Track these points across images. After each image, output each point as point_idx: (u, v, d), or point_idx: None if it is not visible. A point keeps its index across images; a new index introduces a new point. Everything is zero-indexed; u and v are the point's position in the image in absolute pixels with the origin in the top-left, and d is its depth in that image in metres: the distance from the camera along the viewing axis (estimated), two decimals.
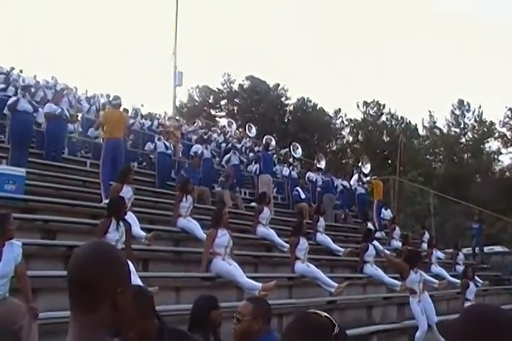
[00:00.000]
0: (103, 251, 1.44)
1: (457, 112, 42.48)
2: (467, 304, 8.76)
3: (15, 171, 8.29)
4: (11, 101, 10.13)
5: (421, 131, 44.08)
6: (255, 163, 14.02)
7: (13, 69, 15.71)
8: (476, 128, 41.65)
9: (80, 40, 70.49)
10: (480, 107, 41.38)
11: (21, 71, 16.21)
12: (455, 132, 42.39)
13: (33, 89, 13.32)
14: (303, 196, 14.26)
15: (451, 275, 11.84)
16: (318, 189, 15.32)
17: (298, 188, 14.50)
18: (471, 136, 42.02)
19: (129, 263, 4.97)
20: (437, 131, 43.03)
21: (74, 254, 1.43)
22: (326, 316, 1.46)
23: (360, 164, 17.26)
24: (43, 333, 4.51)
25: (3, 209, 5.36)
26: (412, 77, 67.20)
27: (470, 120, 42.12)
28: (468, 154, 41.55)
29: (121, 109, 10.47)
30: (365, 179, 16.41)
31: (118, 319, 1.40)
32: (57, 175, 10.02)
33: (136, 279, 5.89)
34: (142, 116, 17.31)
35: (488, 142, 41.17)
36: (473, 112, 41.83)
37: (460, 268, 12.11)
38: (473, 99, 48.31)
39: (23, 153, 9.81)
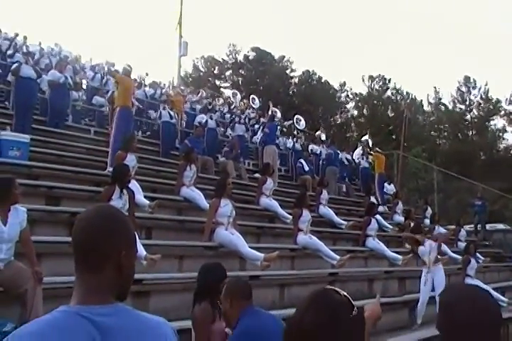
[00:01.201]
0: (108, 214, 1.44)
1: (463, 89, 42.08)
2: (468, 280, 8.81)
3: (19, 137, 8.28)
4: (14, 67, 10.08)
5: (426, 107, 43.81)
6: (263, 135, 13.92)
7: (17, 35, 15.49)
8: (482, 105, 41.31)
9: (85, 8, 69.49)
10: (486, 84, 41.02)
11: (25, 37, 15.99)
12: (460, 109, 42.06)
13: (37, 56, 13.19)
14: (306, 168, 14.22)
15: (453, 252, 11.89)
16: (322, 161, 15.28)
17: (301, 160, 14.45)
18: (476, 113, 41.71)
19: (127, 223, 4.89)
20: (442, 108, 42.69)
21: (79, 218, 1.43)
22: (345, 295, 1.41)
23: (366, 137, 17.16)
24: (46, 297, 4.52)
25: (8, 175, 5.31)
26: (419, 52, 66.45)
27: (476, 97, 41.75)
28: (473, 131, 41.31)
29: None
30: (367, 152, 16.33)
31: (122, 281, 1.40)
32: (61, 142, 9.99)
33: (139, 246, 5.91)
34: (145, 85, 17.16)
35: (493, 120, 40.93)
36: (480, 89, 41.45)
37: (462, 244, 12.14)
38: (479, 76, 47.89)
39: (26, 119, 9.77)
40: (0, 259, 4.37)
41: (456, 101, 42.33)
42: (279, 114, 17.59)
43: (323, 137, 16.56)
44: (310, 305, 1.39)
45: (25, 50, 13.51)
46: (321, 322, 1.35)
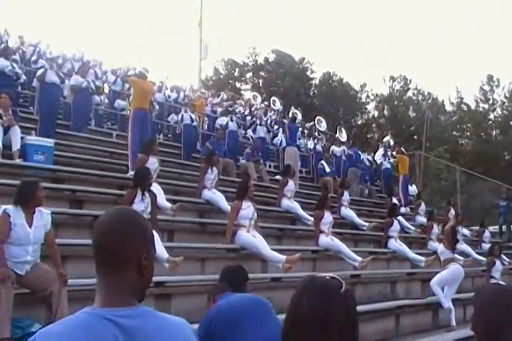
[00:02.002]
0: (128, 218, 1.46)
1: (486, 88, 41.53)
2: (492, 282, 8.70)
3: (44, 142, 8.40)
4: (39, 72, 10.23)
5: (448, 107, 43.33)
6: (283, 132, 13.93)
7: (39, 42, 15.76)
8: (506, 104, 40.71)
9: (106, 13, 70.24)
10: (510, 83, 40.39)
11: (48, 45, 16.25)
12: (483, 108, 41.52)
13: (60, 61, 13.40)
14: (327, 170, 14.19)
15: (477, 253, 11.74)
16: (343, 163, 15.20)
17: (323, 162, 14.43)
18: (500, 113, 41.13)
19: (155, 233, 5.04)
20: (465, 107, 42.20)
21: (99, 221, 1.45)
22: (332, 277, 1.46)
23: (388, 137, 17.02)
24: (71, 299, 4.60)
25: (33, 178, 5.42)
26: (440, 52, 65.81)
27: (499, 96, 41.20)
28: (497, 131, 40.73)
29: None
30: (389, 153, 16.18)
31: (143, 283, 1.43)
32: (84, 146, 10.12)
33: (161, 249, 5.96)
34: (166, 88, 17.28)
35: None
36: (503, 88, 40.87)
37: (486, 246, 11.97)
38: (503, 75, 47.22)
39: (51, 124, 9.93)
40: (26, 261, 4.45)
41: (479, 100, 41.81)
42: (299, 116, 17.59)
43: (344, 135, 16.41)
44: (302, 292, 1.43)
45: (48, 56, 13.74)
46: (315, 308, 1.38)
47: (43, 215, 4.60)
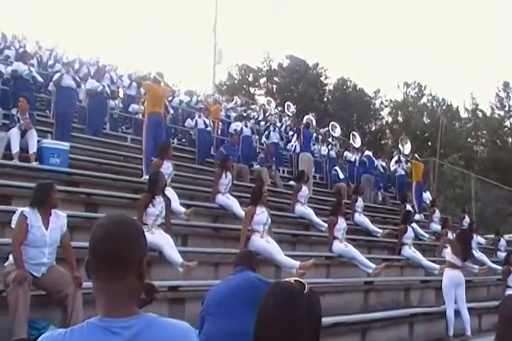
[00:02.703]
0: (128, 222, 1.47)
1: (502, 94, 41.17)
2: (508, 291, 8.58)
3: (59, 145, 8.50)
4: (55, 77, 10.32)
5: (462, 114, 43.04)
6: (297, 137, 13.93)
7: (56, 46, 15.93)
8: None
9: (119, 17, 70.83)
10: None
11: (65, 50, 16.42)
12: (499, 115, 41.14)
13: (76, 65, 13.52)
14: (341, 176, 14.15)
15: (493, 262, 11.60)
16: (357, 169, 15.14)
17: (336, 168, 14.39)
18: None
19: (169, 237, 5.09)
20: (480, 114, 41.87)
21: (98, 225, 1.45)
22: (296, 280, 1.52)
23: (399, 145, 16.82)
24: (85, 302, 4.61)
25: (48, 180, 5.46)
26: (455, 58, 65.47)
27: None
28: None
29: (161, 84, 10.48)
30: (403, 159, 16.07)
31: (141, 288, 1.45)
32: (99, 150, 10.18)
33: (175, 253, 5.97)
34: (179, 92, 17.36)
35: None
36: None
37: (501, 254, 11.83)
38: None
39: (66, 127, 10.01)
40: (43, 263, 4.48)
41: (494, 107, 41.43)
42: (314, 122, 17.53)
43: (358, 141, 16.30)
44: (269, 298, 1.50)
45: (65, 60, 13.87)
46: (278, 310, 1.45)
47: (59, 217, 4.64)
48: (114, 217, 1.48)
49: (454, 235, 10.27)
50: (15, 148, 7.90)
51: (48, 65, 14.06)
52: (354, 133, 16.88)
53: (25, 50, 12.44)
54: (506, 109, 40.87)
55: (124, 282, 1.38)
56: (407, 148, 16.34)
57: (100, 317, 1.36)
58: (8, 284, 4.27)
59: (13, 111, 8.52)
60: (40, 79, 10.57)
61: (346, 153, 15.64)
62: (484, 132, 41.07)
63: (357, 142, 16.15)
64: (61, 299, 4.36)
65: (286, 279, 1.55)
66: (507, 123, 40.92)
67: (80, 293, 4.45)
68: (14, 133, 7.98)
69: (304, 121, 15.05)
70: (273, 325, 1.42)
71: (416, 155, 16.25)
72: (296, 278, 1.52)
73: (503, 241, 13.29)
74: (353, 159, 15.32)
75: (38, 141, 8.27)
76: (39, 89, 12.04)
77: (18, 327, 4.13)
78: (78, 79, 10.71)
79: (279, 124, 16.76)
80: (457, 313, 7.76)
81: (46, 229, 4.51)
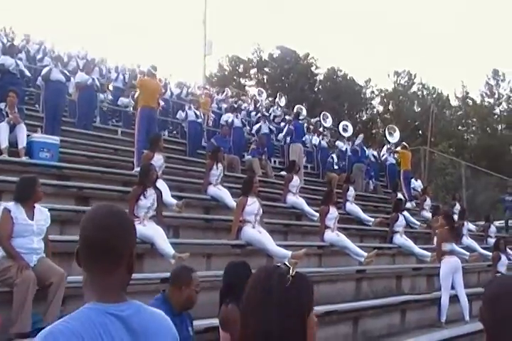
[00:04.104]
0: (118, 213, 1.49)
1: (491, 82, 41.27)
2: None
3: (49, 139, 8.48)
4: (44, 71, 10.26)
5: (453, 102, 43.17)
6: (288, 135, 13.97)
7: (44, 40, 15.83)
8: (511, 98, 40.49)
9: (109, 10, 70.17)
10: None
11: (53, 44, 16.33)
12: (489, 102, 41.27)
13: (65, 59, 13.43)
14: (335, 166, 14.23)
15: (483, 248, 11.71)
16: (348, 158, 15.20)
17: (333, 155, 14.49)
18: (505, 107, 40.87)
19: (161, 229, 5.02)
20: (470, 102, 41.99)
21: (89, 217, 1.47)
22: (282, 263, 1.50)
23: (387, 134, 16.83)
24: (76, 296, 4.62)
25: (40, 176, 5.44)
26: (445, 46, 65.52)
27: (505, 90, 40.92)
28: (503, 125, 40.52)
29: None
30: (393, 148, 16.12)
31: (129, 278, 1.48)
32: (89, 143, 10.17)
33: (167, 245, 5.99)
34: (170, 84, 17.31)
35: None
36: (509, 82, 40.60)
37: (492, 240, 11.94)
38: (508, 70, 46.86)
39: (56, 121, 9.97)
40: (33, 249, 4.49)
41: (484, 94, 41.53)
42: (304, 112, 17.53)
43: (349, 133, 16.33)
44: (253, 281, 1.48)
45: (53, 54, 13.78)
46: (255, 284, 1.45)
47: (42, 211, 4.69)
48: (104, 209, 1.49)
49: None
50: (4, 143, 7.84)
51: (36, 58, 13.97)
52: (346, 123, 16.88)
53: (13, 44, 12.36)
54: (496, 96, 40.99)
55: (116, 272, 1.41)
56: (395, 136, 16.39)
57: (95, 303, 1.39)
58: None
59: (1, 105, 8.45)
60: (27, 73, 10.52)
61: (338, 142, 15.69)
62: (474, 120, 41.22)
63: (349, 131, 16.19)
64: (45, 287, 4.36)
65: (267, 265, 1.55)
66: (497, 110, 41.08)
67: (64, 284, 4.44)
68: (3, 128, 7.90)
69: (294, 111, 15.05)
70: (253, 304, 1.42)
71: (405, 143, 16.32)
72: (284, 263, 1.51)
73: (493, 228, 13.41)
74: (344, 148, 15.37)
75: (28, 136, 8.23)
76: (27, 83, 11.97)
77: (23, 322, 4.14)
78: (67, 72, 10.64)
79: (268, 114, 16.73)
80: (450, 300, 7.85)
81: (32, 219, 4.53)
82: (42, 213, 4.67)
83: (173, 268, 3.80)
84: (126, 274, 1.45)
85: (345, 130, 16.56)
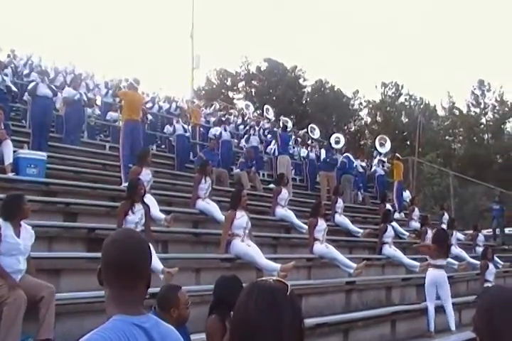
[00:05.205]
0: (141, 238, 1.71)
1: (477, 92, 41.77)
2: (487, 285, 8.72)
3: (36, 155, 8.43)
4: (30, 86, 10.22)
5: (440, 112, 43.59)
6: (275, 142, 14.02)
7: (31, 55, 15.84)
8: (497, 108, 40.96)
9: (96, 24, 70.44)
10: (501, 87, 40.63)
11: (40, 59, 16.32)
12: (475, 112, 41.74)
13: (52, 74, 13.42)
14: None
15: (471, 257, 11.76)
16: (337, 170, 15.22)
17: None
18: (491, 116, 41.36)
19: (149, 244, 4.95)
20: (457, 112, 42.41)
21: (115, 240, 1.66)
22: (277, 280, 1.48)
23: (377, 145, 16.86)
24: (66, 313, 4.60)
25: (27, 192, 5.44)
26: (431, 57, 66.23)
27: (490, 100, 41.40)
28: (489, 135, 40.94)
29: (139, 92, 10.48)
30: (384, 159, 16.18)
31: (146, 295, 1.68)
32: (77, 159, 10.13)
33: (156, 260, 5.96)
34: (159, 99, 17.37)
35: (509, 122, 40.48)
36: (494, 92, 41.12)
37: (480, 249, 11.99)
38: (493, 79, 47.53)
39: (43, 137, 9.94)
40: (19, 270, 4.47)
41: (470, 104, 42.02)
42: (290, 124, 17.58)
43: (340, 146, 16.34)
44: (248, 296, 1.43)
45: (40, 69, 13.77)
46: (262, 308, 1.39)
47: (27, 229, 4.69)
48: (129, 233, 1.75)
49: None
50: None
51: (23, 74, 13.96)
52: (338, 135, 16.88)
53: None
54: (482, 106, 41.45)
55: (136, 291, 1.62)
56: (386, 147, 16.43)
57: (122, 315, 1.56)
58: None
59: None
60: (14, 88, 10.49)
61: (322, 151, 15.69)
62: (461, 129, 41.62)
63: (341, 143, 16.21)
64: (36, 302, 4.33)
65: (265, 278, 1.52)
66: (483, 120, 41.53)
67: (54, 298, 4.41)
68: None
69: (281, 124, 15.11)
70: (255, 325, 1.38)
71: (398, 154, 16.43)
72: (277, 278, 1.50)
73: (481, 237, 13.49)
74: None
75: (14, 152, 8.18)
76: (14, 98, 11.95)
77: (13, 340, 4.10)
78: (54, 88, 10.63)
79: (257, 128, 16.78)
80: (438, 310, 7.87)
81: (18, 237, 4.52)
82: (27, 231, 4.66)
83: (158, 292, 3.76)
84: (144, 291, 1.64)
85: (337, 142, 16.57)
